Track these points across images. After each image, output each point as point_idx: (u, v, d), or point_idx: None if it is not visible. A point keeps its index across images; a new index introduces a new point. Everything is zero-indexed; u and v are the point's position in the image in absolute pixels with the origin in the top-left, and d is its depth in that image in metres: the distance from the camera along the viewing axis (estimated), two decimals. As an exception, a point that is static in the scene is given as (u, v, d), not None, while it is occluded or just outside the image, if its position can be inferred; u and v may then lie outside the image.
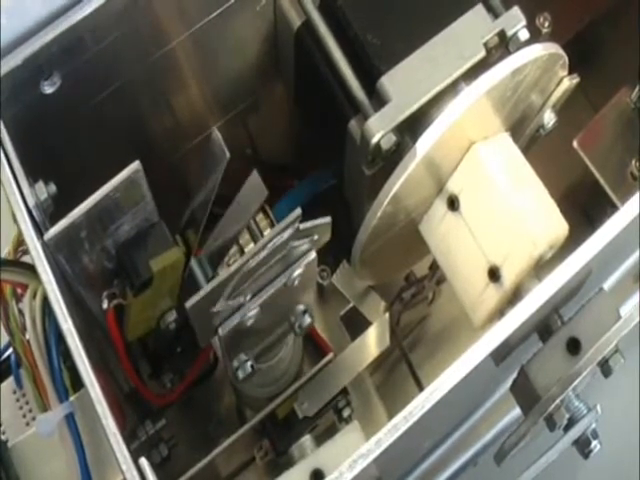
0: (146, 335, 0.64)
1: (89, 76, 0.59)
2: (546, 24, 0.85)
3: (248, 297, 0.56)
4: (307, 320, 0.62)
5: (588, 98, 0.90)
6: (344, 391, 0.72)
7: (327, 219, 0.56)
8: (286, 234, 0.53)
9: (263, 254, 0.53)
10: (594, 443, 0.60)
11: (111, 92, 0.62)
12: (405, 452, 0.58)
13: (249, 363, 0.60)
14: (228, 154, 0.58)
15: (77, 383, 0.60)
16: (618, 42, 0.89)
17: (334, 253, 0.74)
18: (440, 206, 0.64)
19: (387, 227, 0.63)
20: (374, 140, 0.59)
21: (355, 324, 0.77)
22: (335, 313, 0.79)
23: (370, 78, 0.61)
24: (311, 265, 0.58)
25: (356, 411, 0.74)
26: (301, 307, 0.61)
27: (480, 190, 0.62)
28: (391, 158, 0.60)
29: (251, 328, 0.58)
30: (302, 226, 0.54)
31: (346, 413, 0.73)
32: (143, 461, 0.47)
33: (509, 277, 0.60)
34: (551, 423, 0.58)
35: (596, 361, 0.54)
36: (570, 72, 0.67)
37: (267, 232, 0.67)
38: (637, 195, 0.52)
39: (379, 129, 0.58)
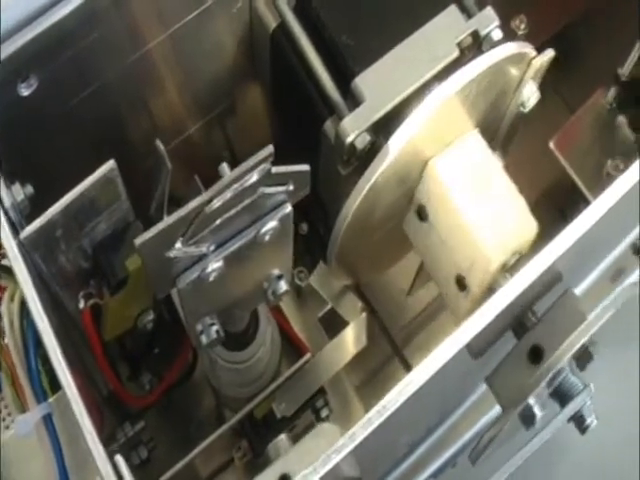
0: (124, 335, 0.64)
1: (66, 78, 0.59)
2: (522, 26, 0.86)
3: (212, 247, 0.51)
4: (282, 287, 0.57)
5: (564, 100, 0.90)
6: (322, 391, 0.73)
7: (305, 166, 0.52)
8: (255, 175, 0.48)
9: (228, 195, 0.48)
10: (590, 419, 0.61)
11: (88, 94, 0.62)
12: (382, 448, 0.58)
13: (214, 328, 0.56)
14: (170, 165, 0.58)
15: (55, 386, 0.60)
16: (593, 44, 0.89)
17: (312, 254, 0.74)
18: (414, 212, 0.65)
19: (362, 225, 0.63)
20: (349, 140, 0.59)
21: (333, 325, 0.77)
22: (313, 315, 0.79)
23: (345, 79, 0.61)
24: (286, 220, 0.53)
25: (334, 411, 0.74)
26: (276, 272, 0.57)
27: (440, 204, 0.63)
28: (366, 158, 0.60)
29: (215, 285, 0.53)
30: (275, 169, 0.50)
31: (324, 413, 0.73)
32: (119, 458, 0.47)
33: (474, 287, 0.61)
34: (526, 421, 0.58)
35: (558, 367, 0.54)
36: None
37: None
38: (609, 190, 0.52)
39: (353, 129, 0.59)
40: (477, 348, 0.56)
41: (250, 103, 0.76)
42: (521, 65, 0.63)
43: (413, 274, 0.77)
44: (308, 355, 0.72)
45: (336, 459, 0.45)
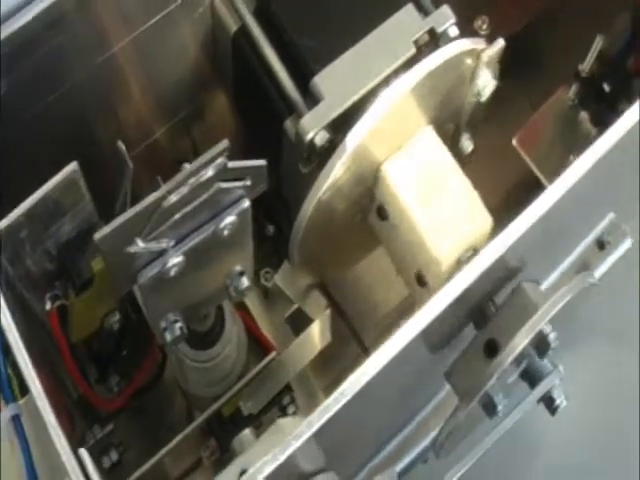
0: (91, 337, 0.65)
1: (32, 82, 0.60)
2: (484, 26, 0.87)
3: (172, 243, 0.51)
4: (244, 283, 0.57)
5: (527, 98, 0.91)
6: (288, 388, 0.73)
7: (261, 161, 0.52)
8: (211, 169, 0.49)
9: (185, 189, 0.48)
10: (560, 399, 0.61)
11: (55, 97, 0.63)
12: (345, 438, 0.58)
13: (178, 324, 0.56)
14: (131, 164, 0.58)
15: (25, 390, 0.60)
16: (555, 42, 0.90)
17: (278, 255, 0.75)
18: (375, 211, 0.66)
19: (324, 222, 0.64)
20: (308, 137, 0.60)
21: (300, 325, 0.77)
22: (280, 315, 0.80)
23: (304, 78, 0.62)
24: (244, 215, 0.53)
25: (301, 408, 0.75)
26: (238, 268, 0.57)
27: (393, 206, 0.64)
28: (325, 155, 0.61)
29: (177, 281, 0.53)
30: (231, 164, 0.50)
31: (291, 410, 0.74)
32: (82, 451, 0.48)
33: (432, 283, 0.62)
34: (488, 411, 0.59)
35: (513, 357, 0.54)
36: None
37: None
38: (564, 174, 0.53)
39: (312, 127, 0.60)
40: (435, 341, 0.56)
41: (215, 105, 0.77)
42: (474, 58, 0.63)
43: (382, 271, 0.78)
44: (274, 353, 0.73)
45: (294, 446, 0.45)
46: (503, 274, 0.57)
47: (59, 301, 0.60)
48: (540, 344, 0.56)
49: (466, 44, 0.62)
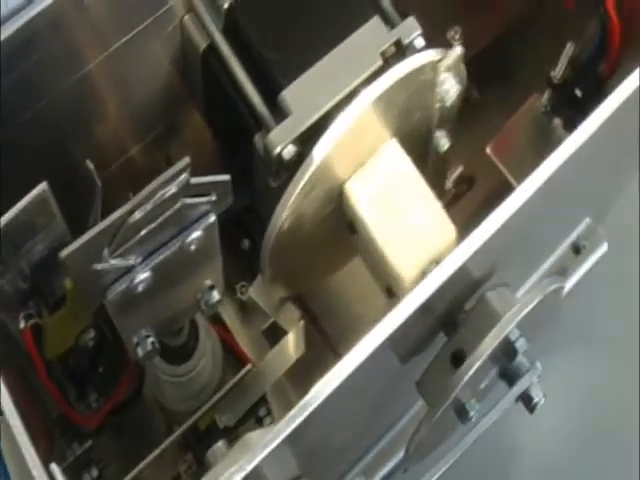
0: (67, 355, 0.65)
1: (6, 101, 0.60)
2: (457, 37, 0.88)
3: (139, 259, 0.51)
4: (214, 297, 0.58)
5: (500, 106, 0.92)
6: (264, 400, 0.74)
7: (225, 176, 0.52)
8: (175, 186, 0.49)
9: (149, 206, 0.49)
10: (538, 397, 0.62)
11: (29, 117, 0.63)
12: (317, 448, 0.58)
13: (150, 340, 0.56)
14: (99, 183, 0.58)
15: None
16: (527, 50, 0.91)
17: (253, 268, 0.75)
18: (346, 225, 0.67)
19: (294, 235, 0.64)
20: (275, 152, 0.61)
21: (277, 338, 0.77)
22: (257, 328, 0.81)
23: (273, 93, 0.63)
24: (211, 230, 0.53)
25: (278, 419, 0.75)
26: (208, 282, 0.58)
27: (357, 224, 0.64)
28: (294, 169, 0.61)
29: (146, 296, 0.53)
30: (194, 180, 0.50)
31: (267, 421, 0.75)
32: (54, 466, 0.48)
33: (400, 296, 0.62)
34: (460, 417, 0.59)
35: (477, 366, 0.55)
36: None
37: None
38: (533, 175, 0.53)
39: (280, 141, 0.61)
40: (404, 350, 0.57)
41: (190, 121, 0.77)
42: (432, 68, 0.64)
43: (360, 284, 0.78)
44: (249, 366, 0.73)
45: (260, 456, 0.46)
46: (470, 281, 0.57)
47: (33, 320, 0.61)
48: (507, 351, 0.56)
49: (429, 55, 0.62)
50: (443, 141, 0.73)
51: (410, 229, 0.63)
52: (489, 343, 0.54)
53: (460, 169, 0.82)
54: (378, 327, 0.49)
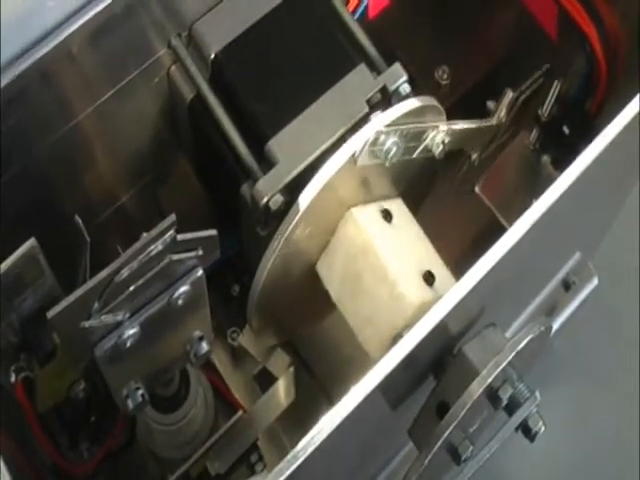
0: (59, 406, 0.65)
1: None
2: (445, 76, 0.89)
3: (127, 315, 0.52)
4: (203, 348, 0.58)
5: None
6: (255, 446, 0.74)
7: (212, 231, 0.53)
8: (160, 244, 0.49)
9: (135, 264, 0.49)
10: (538, 426, 0.62)
11: (18, 170, 0.64)
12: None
13: (140, 392, 0.56)
14: (88, 238, 0.59)
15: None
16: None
17: (244, 314, 0.76)
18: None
19: (280, 285, 0.65)
20: (263, 202, 0.61)
21: (269, 383, 0.78)
22: (248, 373, 0.81)
23: (259, 144, 0.63)
24: (198, 284, 0.54)
25: (270, 465, 0.75)
26: (197, 333, 0.58)
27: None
28: (282, 218, 0.62)
29: (135, 350, 0.54)
30: (180, 237, 0.50)
31: (259, 468, 0.74)
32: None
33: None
34: (455, 459, 0.59)
35: (460, 417, 0.55)
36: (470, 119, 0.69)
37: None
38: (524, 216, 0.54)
39: (267, 191, 0.61)
40: (394, 397, 0.57)
41: (179, 170, 0.78)
42: (427, 116, 0.65)
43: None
44: (240, 413, 0.73)
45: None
46: (456, 329, 0.58)
47: (24, 373, 0.61)
48: (492, 399, 0.57)
49: (414, 103, 0.63)
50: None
51: (370, 307, 0.64)
52: (470, 395, 0.54)
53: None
54: (374, 368, 0.49)
